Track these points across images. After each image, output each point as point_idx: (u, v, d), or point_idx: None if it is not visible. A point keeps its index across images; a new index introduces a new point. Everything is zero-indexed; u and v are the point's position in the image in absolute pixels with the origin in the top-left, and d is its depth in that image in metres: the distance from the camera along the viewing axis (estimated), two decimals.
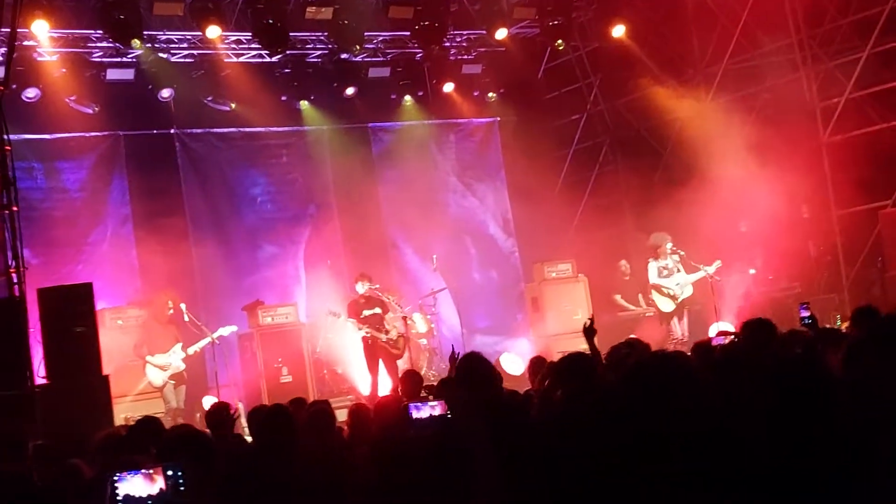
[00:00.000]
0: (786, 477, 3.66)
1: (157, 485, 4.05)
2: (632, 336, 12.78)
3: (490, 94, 18.43)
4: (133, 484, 4.02)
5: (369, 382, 13.98)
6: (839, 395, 3.97)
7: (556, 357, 14.43)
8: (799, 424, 3.79)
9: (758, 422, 3.88)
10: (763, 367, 4.60)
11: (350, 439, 7.32)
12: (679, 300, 15.29)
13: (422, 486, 4.64)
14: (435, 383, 10.49)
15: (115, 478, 4.01)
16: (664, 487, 3.63)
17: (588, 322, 8.48)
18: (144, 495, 4.00)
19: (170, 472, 4.07)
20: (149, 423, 7.51)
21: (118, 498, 3.98)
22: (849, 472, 3.69)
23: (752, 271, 16.73)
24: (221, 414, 8.08)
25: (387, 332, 13.92)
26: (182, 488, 4.07)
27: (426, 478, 4.62)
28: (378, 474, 5.14)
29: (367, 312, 13.96)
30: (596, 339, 8.22)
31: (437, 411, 4.62)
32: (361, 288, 14.05)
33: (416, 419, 4.60)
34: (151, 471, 4.08)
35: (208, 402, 13.80)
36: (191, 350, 13.26)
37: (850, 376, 4.73)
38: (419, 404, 4.62)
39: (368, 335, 13.84)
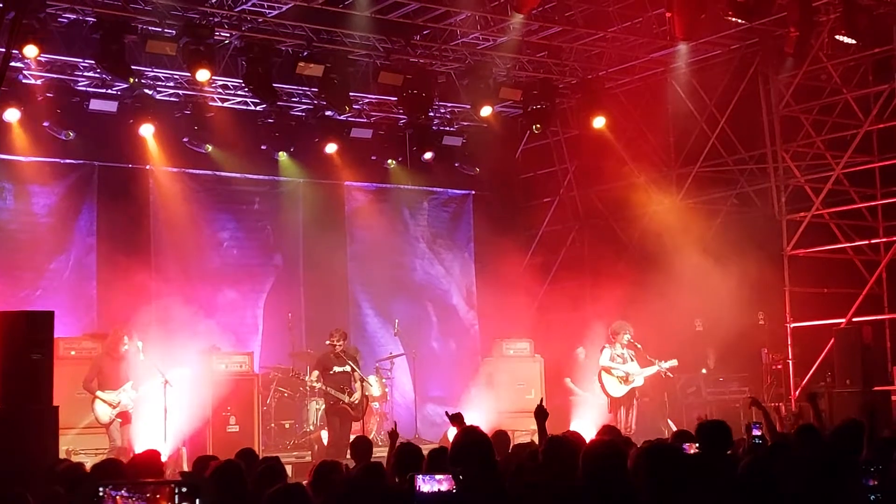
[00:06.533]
0: None
1: None
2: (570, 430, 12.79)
3: (476, 169, 18.65)
4: None
5: (328, 440, 13.93)
6: None
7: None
8: None
9: None
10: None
11: None
12: (629, 386, 15.06)
13: None
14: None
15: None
16: None
17: (540, 404, 8.52)
18: None
19: None
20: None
21: None
22: None
23: (703, 371, 16.93)
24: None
25: (350, 394, 13.86)
26: None
27: None
28: None
29: (337, 369, 13.90)
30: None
31: (444, 487, 4.47)
32: (337, 344, 14.00)
33: (422, 493, 4.47)
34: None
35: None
36: (141, 389, 13.10)
37: None
38: (426, 476, 4.48)
39: (329, 393, 13.80)
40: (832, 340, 15.10)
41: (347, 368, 13.95)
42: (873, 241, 16.12)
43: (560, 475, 6.10)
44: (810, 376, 15.76)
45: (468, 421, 15.62)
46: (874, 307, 15.70)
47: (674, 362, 14.95)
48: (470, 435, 5.87)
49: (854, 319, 15.19)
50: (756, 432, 8.97)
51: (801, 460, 5.69)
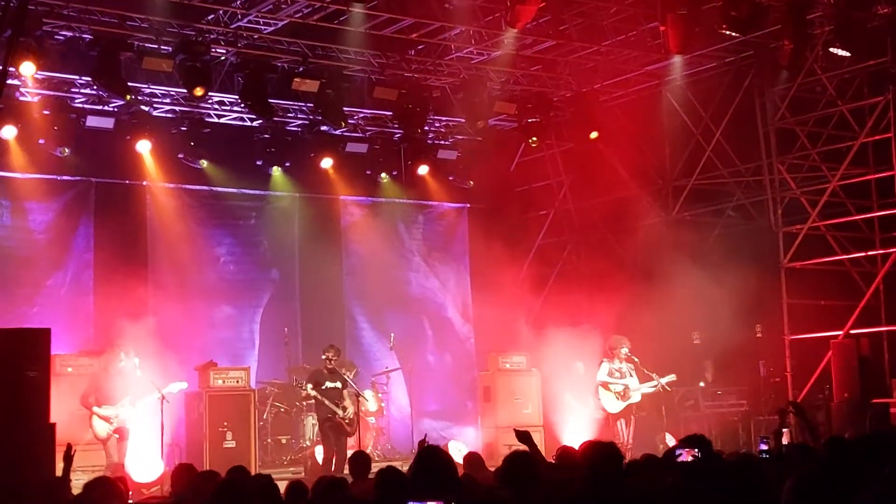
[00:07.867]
0: None
1: None
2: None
3: (471, 182, 18.68)
4: None
5: (322, 455, 13.87)
6: None
7: (501, 448, 14.41)
8: None
9: None
10: None
11: None
12: (626, 402, 15.10)
13: None
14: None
15: None
16: None
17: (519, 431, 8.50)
18: None
19: None
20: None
21: None
22: None
23: (701, 384, 16.90)
24: None
25: (344, 409, 13.80)
26: None
27: None
28: None
29: (329, 385, 13.84)
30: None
31: None
32: (329, 359, 13.95)
33: None
34: None
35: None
36: (138, 405, 13.08)
37: None
38: None
39: (324, 405, 13.75)
40: (830, 353, 15.12)
41: (339, 385, 13.90)
42: (870, 253, 16.13)
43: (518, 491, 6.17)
44: (808, 389, 15.75)
45: (461, 433, 15.62)
46: (871, 319, 15.71)
47: (672, 377, 14.94)
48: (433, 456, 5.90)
49: (852, 331, 15.20)
50: (763, 447, 8.92)
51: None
